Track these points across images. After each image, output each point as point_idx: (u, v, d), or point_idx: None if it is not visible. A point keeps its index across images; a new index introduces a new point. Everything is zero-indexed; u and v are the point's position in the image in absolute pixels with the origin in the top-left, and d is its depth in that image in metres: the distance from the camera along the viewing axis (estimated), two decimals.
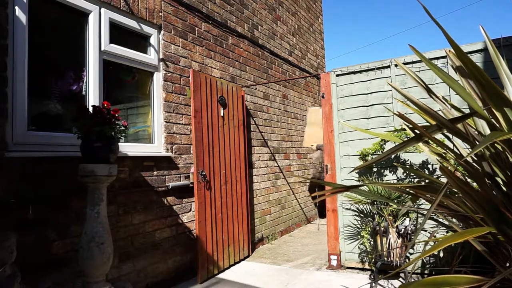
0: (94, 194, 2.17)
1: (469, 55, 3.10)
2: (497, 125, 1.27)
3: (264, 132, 5.02)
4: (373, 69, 3.50)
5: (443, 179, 2.95)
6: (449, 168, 2.05)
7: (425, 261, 3.15)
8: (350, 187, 1.31)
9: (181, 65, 3.58)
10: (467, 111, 2.56)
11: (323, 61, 7.77)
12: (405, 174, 3.29)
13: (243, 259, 4.10)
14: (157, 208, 3.15)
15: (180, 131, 3.51)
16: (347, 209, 3.55)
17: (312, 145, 6.53)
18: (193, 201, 3.55)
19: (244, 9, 4.79)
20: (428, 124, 2.10)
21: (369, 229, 3.23)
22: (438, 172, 3.14)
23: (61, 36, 2.77)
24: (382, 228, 2.95)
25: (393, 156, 3.31)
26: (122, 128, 2.32)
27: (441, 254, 3.07)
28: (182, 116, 3.54)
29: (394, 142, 3.29)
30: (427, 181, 2.89)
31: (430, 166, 3.19)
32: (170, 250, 3.26)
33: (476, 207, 1.23)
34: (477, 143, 1.47)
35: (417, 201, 3.10)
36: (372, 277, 3.18)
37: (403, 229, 2.92)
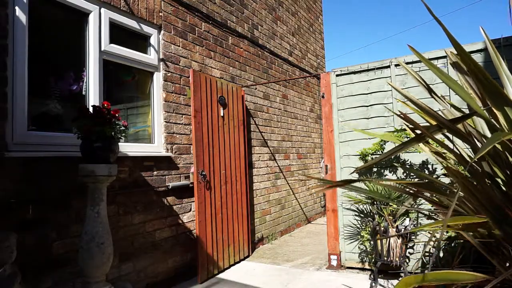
0: (94, 194, 2.17)
1: None
2: (497, 125, 1.27)
3: (264, 132, 5.02)
4: (373, 69, 3.50)
5: (443, 179, 2.95)
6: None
7: (425, 261, 3.15)
8: (350, 181, 1.31)
9: (181, 65, 3.58)
10: (467, 110, 2.56)
11: (323, 61, 7.78)
12: (405, 174, 3.29)
13: (243, 259, 4.10)
14: (157, 208, 3.15)
15: (180, 131, 3.51)
16: (347, 209, 3.56)
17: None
18: (193, 201, 3.55)
19: (244, 9, 4.79)
20: (428, 124, 2.11)
21: (369, 229, 3.23)
22: (438, 172, 3.14)
23: (61, 36, 2.77)
24: (382, 228, 2.95)
25: (393, 156, 3.31)
26: (122, 128, 2.32)
27: (441, 254, 3.07)
28: (182, 116, 3.54)
29: (394, 143, 3.29)
30: (426, 180, 2.89)
31: (430, 166, 3.19)
32: (170, 250, 3.26)
33: (478, 206, 1.23)
34: (477, 142, 1.47)
35: (417, 201, 3.10)
36: (372, 277, 3.18)
37: (403, 229, 2.92)
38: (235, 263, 3.93)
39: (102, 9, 2.86)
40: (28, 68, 2.32)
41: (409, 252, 3.22)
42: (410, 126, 2.09)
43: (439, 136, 2.84)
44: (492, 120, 1.27)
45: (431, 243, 2.85)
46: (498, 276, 1.05)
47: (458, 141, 2.67)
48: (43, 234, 2.27)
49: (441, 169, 3.10)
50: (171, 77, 3.46)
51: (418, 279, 1.05)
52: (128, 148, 2.99)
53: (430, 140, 1.87)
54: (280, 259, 4.04)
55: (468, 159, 1.59)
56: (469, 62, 1.07)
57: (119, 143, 2.42)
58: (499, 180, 1.38)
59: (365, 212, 3.39)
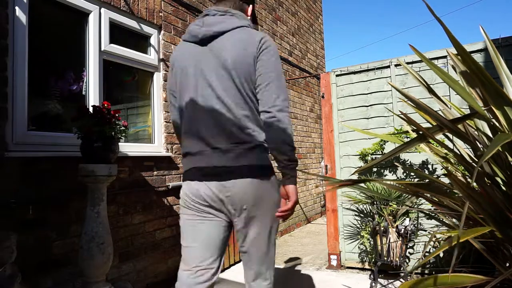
0: (94, 194, 2.17)
1: None
2: (498, 125, 1.27)
3: None
4: (373, 69, 3.50)
5: (443, 179, 2.96)
6: (450, 168, 2.05)
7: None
8: (356, 181, 1.31)
9: None
10: (467, 111, 2.56)
11: (323, 61, 7.78)
12: (405, 174, 3.29)
13: None
14: (157, 208, 3.15)
15: None
16: (347, 209, 3.56)
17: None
18: None
19: None
20: (428, 124, 2.11)
21: (369, 229, 3.23)
22: (438, 172, 3.14)
23: (61, 36, 2.77)
24: (382, 228, 2.95)
25: (393, 156, 3.31)
26: (122, 128, 2.32)
27: (441, 254, 3.07)
28: None
29: (394, 143, 3.29)
30: (427, 180, 2.90)
31: (430, 166, 3.19)
32: (170, 250, 3.26)
33: (478, 208, 1.24)
34: (477, 143, 1.47)
35: (417, 201, 3.11)
36: (372, 277, 3.18)
37: (403, 229, 2.92)
38: (235, 262, 3.93)
39: (102, 9, 2.85)
40: (28, 68, 2.32)
41: (409, 252, 3.22)
42: (411, 126, 2.08)
43: (439, 136, 2.84)
44: (493, 120, 1.27)
45: (431, 243, 2.85)
46: (498, 277, 1.05)
47: (458, 141, 2.67)
48: (43, 234, 2.27)
49: (441, 169, 3.10)
50: None
51: (415, 284, 1.05)
52: (128, 148, 2.99)
53: (430, 140, 1.87)
54: (280, 259, 4.04)
55: (468, 159, 1.59)
56: (469, 62, 1.07)
57: (119, 143, 2.42)
58: (499, 180, 1.38)
59: (365, 212, 3.40)
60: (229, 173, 1.38)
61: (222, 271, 3.66)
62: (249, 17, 1.65)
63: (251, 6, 1.67)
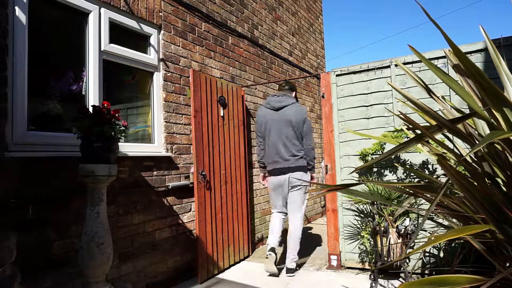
0: (94, 194, 2.17)
1: (469, 55, 3.09)
2: (497, 125, 1.27)
3: None
4: (373, 69, 3.50)
5: (443, 180, 2.95)
6: (443, 161, 2.04)
7: (425, 261, 3.15)
8: (348, 185, 1.31)
9: (181, 65, 3.59)
10: (467, 111, 2.55)
11: (323, 61, 7.78)
12: (405, 174, 3.28)
13: (243, 259, 4.10)
14: (157, 208, 3.15)
15: (180, 131, 3.51)
16: (347, 209, 3.55)
17: None
18: (193, 201, 3.55)
19: (244, 9, 4.79)
20: (428, 124, 2.11)
21: (369, 229, 3.23)
22: (438, 172, 3.14)
23: (61, 36, 2.77)
24: (382, 228, 2.94)
25: (393, 156, 3.31)
26: (122, 128, 2.32)
27: (441, 254, 3.07)
28: (182, 116, 3.54)
29: (393, 144, 3.28)
30: (427, 181, 2.89)
31: (430, 166, 3.19)
32: (170, 250, 3.26)
33: (476, 205, 1.23)
34: (477, 143, 1.47)
35: (417, 201, 3.10)
36: (372, 277, 3.18)
37: (403, 229, 2.92)
38: (235, 263, 3.93)
39: (102, 9, 2.86)
40: (28, 68, 2.32)
41: (409, 252, 3.21)
42: (410, 126, 2.08)
43: (439, 136, 2.84)
44: (492, 120, 1.27)
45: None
46: (497, 276, 1.04)
47: (459, 141, 2.67)
48: (43, 234, 2.27)
49: (441, 169, 3.09)
50: (171, 77, 3.46)
51: (414, 284, 1.05)
52: (128, 148, 2.99)
53: (430, 140, 1.87)
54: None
55: (468, 159, 1.59)
56: (466, 64, 1.07)
57: (119, 143, 2.42)
58: (499, 180, 1.38)
59: (365, 212, 3.39)
60: (290, 169, 3.45)
61: (222, 271, 3.66)
62: (293, 97, 3.66)
63: (294, 92, 3.72)
